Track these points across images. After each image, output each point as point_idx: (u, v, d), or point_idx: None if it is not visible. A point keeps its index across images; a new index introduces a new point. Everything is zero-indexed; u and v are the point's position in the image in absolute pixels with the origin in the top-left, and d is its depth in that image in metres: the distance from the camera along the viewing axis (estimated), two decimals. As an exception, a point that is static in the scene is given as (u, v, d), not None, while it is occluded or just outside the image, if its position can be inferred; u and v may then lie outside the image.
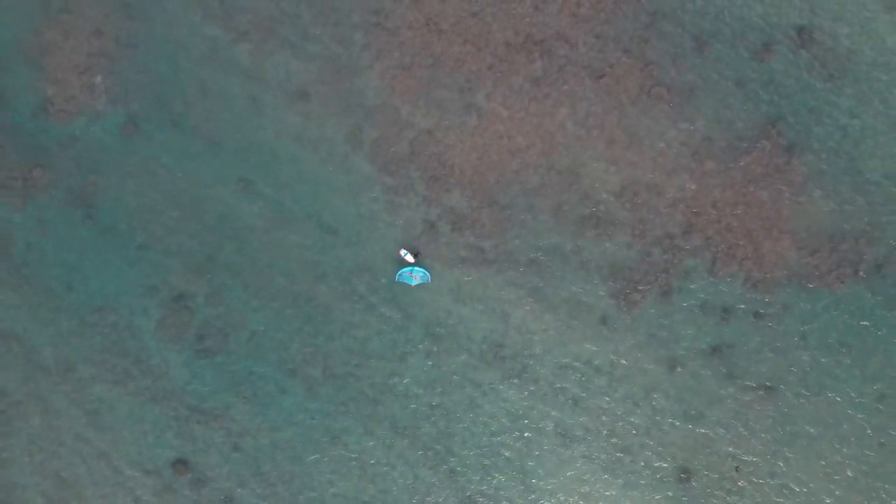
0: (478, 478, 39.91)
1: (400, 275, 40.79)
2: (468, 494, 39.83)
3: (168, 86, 41.92)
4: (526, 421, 39.93)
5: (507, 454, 39.88)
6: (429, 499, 40.04)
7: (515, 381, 40.10)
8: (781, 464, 38.88)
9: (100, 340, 41.55)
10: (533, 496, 39.59)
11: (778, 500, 38.76)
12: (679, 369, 39.47)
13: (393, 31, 41.29)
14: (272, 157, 41.47)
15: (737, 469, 39.02)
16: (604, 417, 39.62)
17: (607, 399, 39.71)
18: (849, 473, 38.56)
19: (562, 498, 39.48)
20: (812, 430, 38.86)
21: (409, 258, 40.80)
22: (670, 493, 39.08)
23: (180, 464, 40.76)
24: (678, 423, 39.35)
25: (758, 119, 39.95)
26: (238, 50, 41.76)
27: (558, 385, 39.87)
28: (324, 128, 41.39)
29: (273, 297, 41.17)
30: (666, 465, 39.21)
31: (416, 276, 40.58)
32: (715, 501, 38.90)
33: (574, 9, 40.70)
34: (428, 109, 40.95)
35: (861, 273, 39.08)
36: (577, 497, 39.47)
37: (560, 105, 40.52)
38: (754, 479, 38.88)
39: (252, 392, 40.87)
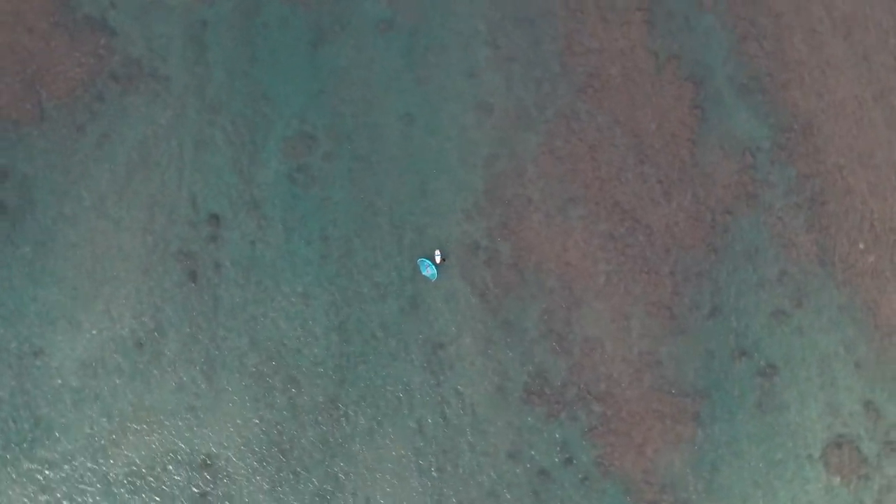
0: (356, 396, 52.43)
1: (421, 261, 53.11)
2: (342, 395, 52.47)
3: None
4: (409, 399, 52.53)
5: (381, 403, 52.39)
6: (316, 370, 52.24)
7: (427, 374, 52.36)
8: None
9: (240, 111, 54.14)
10: (376, 439, 52.24)
11: None
12: (515, 464, 51.96)
13: (567, 135, 54.56)
14: (438, 120, 54.33)
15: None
16: (446, 446, 52.15)
17: (459, 440, 52.15)
18: None
19: (377, 469, 52.12)
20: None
21: (437, 259, 53.21)
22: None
23: (213, 218, 53.53)
24: (482, 481, 51.96)
25: (692, 408, 52.81)
26: (481, 53, 55.26)
27: (443, 400, 52.15)
28: (481, 136, 54.42)
29: (357, 191, 53.71)
30: None
31: (429, 271, 52.93)
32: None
33: (668, 240, 53.69)
34: (544, 190, 53.88)
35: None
36: (388, 475, 52.13)
37: (609, 270, 53.51)
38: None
39: (292, 230, 53.18)
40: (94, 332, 52.23)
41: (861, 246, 53.85)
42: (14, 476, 51.05)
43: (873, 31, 56.00)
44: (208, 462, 51.69)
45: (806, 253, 53.71)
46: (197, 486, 51.52)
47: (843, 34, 55.98)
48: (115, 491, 51.40)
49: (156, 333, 52.36)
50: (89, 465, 51.46)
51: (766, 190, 54.12)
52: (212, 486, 51.53)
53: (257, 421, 52.02)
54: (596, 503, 51.29)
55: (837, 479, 51.64)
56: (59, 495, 51.15)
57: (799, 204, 54.03)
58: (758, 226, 53.84)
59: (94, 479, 51.41)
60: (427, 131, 54.38)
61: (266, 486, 51.54)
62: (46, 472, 51.32)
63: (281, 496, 51.43)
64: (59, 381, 51.91)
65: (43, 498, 51.00)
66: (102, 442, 51.68)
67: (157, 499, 51.38)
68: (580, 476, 51.65)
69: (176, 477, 51.63)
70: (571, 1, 55.50)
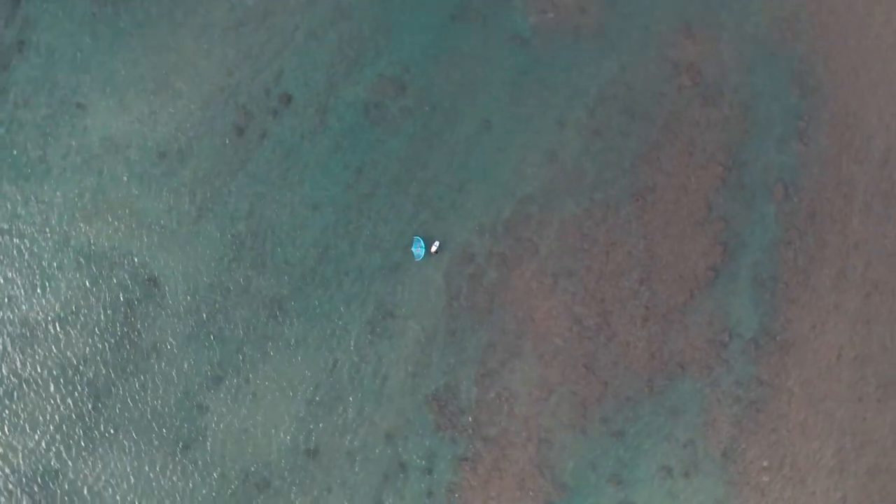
0: (298, 309, 56.22)
1: (417, 239, 56.29)
2: (288, 302, 56.37)
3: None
4: (338, 340, 56.44)
5: (314, 328, 56.42)
6: (282, 269, 56.60)
7: (366, 330, 56.04)
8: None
9: (360, 29, 56.96)
10: (289, 353, 56.17)
11: None
12: (385, 444, 55.87)
13: (599, 221, 58.59)
14: (509, 141, 57.37)
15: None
16: (342, 395, 56.20)
17: (354, 396, 56.11)
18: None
19: (275, 377, 56.06)
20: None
21: (433, 247, 56.49)
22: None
23: (286, 97, 56.77)
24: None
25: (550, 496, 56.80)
26: (577, 112, 59.24)
27: (364, 358, 55.88)
28: (533, 176, 57.97)
29: (409, 153, 56.78)
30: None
31: (418, 250, 55.97)
32: None
33: (621, 355, 57.81)
34: (552, 250, 57.31)
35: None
36: (280, 387, 56.00)
37: (560, 345, 57.50)
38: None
39: (339, 149, 56.36)
40: (133, 120, 55.97)
41: (764, 464, 57.82)
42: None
43: (891, 300, 59.99)
44: (148, 281, 55.48)
45: (719, 439, 57.67)
46: (126, 294, 55.30)
47: (864, 293, 59.96)
48: (59, 257, 55.14)
49: (180, 155, 56.15)
50: (55, 220, 55.25)
51: (722, 370, 58.07)
52: (138, 301, 55.32)
53: (210, 277, 55.82)
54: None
55: None
56: (16, 229, 54.92)
57: (740, 398, 57.99)
58: (696, 393, 57.77)
59: (51, 235, 55.19)
60: (494, 143, 58.12)
61: (179, 332, 55.35)
62: (19, 202, 55.12)
63: (186, 349, 55.30)
64: (81, 141, 55.71)
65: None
66: (79, 211, 55.43)
67: (88, 285, 55.15)
68: (427, 489, 55.54)
69: (116, 277, 55.43)
70: (673, 122, 59.36)
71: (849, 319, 59.58)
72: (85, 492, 54.51)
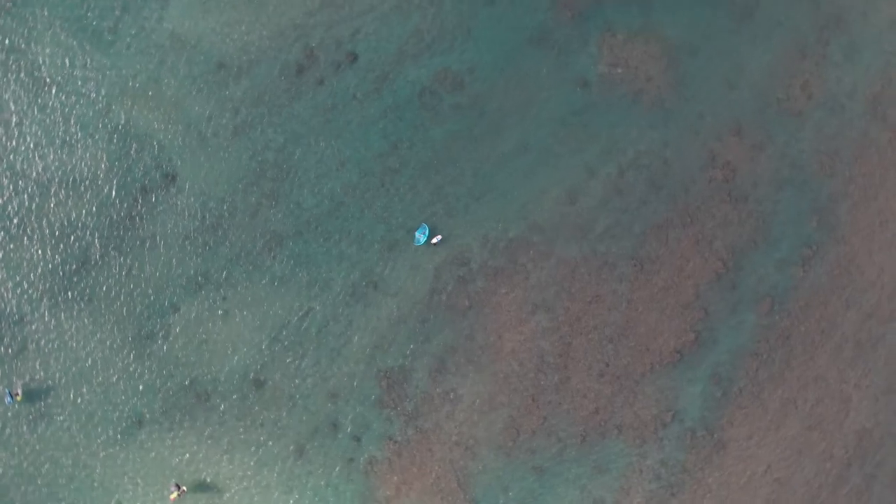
0: (292, 253, 58.46)
1: (423, 227, 58.54)
2: (287, 242, 58.67)
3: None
4: (318, 292, 58.63)
5: (300, 275, 58.67)
6: (293, 209, 58.70)
7: (347, 291, 58.53)
8: None
9: (443, 18, 59.67)
10: (269, 289, 58.39)
11: None
12: (327, 401, 58.13)
13: (594, 272, 60.98)
14: (539, 169, 59.70)
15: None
16: (303, 341, 58.42)
17: (315, 348, 58.45)
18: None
19: (250, 304, 58.28)
20: None
21: (434, 240, 58.75)
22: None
23: (352, 55, 59.13)
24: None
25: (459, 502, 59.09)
26: (609, 167, 61.69)
27: (335, 315, 58.07)
28: (548, 209, 60.45)
29: (444, 147, 59.28)
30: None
31: (420, 237, 58.33)
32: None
33: (567, 399, 60.23)
34: (540, 282, 59.74)
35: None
36: (248, 319, 58.24)
37: (516, 370, 59.85)
38: None
39: (384, 119, 58.93)
40: (207, 26, 58.22)
41: (663, 546, 60.23)
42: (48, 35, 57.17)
43: (827, 441, 62.47)
44: (166, 176, 57.76)
45: (629, 510, 60.15)
46: (141, 179, 57.54)
47: (807, 425, 62.31)
48: (92, 126, 57.33)
49: (237, 73, 58.38)
50: (102, 90, 57.56)
51: (654, 447, 60.40)
52: (149, 190, 57.60)
53: (224, 192, 58.01)
54: (336, 485, 57.35)
55: None
56: (61, 86, 57.27)
57: (660, 477, 60.33)
58: (623, 458, 59.98)
59: (92, 103, 57.46)
60: (525, 166, 60.02)
61: (177, 231, 57.61)
62: (74, 62, 57.29)
63: (178, 248, 57.55)
64: (153, 27, 58.21)
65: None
66: (127, 89, 57.72)
67: (107, 159, 57.35)
68: (350, 455, 57.66)
69: (137, 162, 57.68)
70: (692, 207, 61.68)
71: (784, 443, 61.98)
72: (32, 346, 56.41)
